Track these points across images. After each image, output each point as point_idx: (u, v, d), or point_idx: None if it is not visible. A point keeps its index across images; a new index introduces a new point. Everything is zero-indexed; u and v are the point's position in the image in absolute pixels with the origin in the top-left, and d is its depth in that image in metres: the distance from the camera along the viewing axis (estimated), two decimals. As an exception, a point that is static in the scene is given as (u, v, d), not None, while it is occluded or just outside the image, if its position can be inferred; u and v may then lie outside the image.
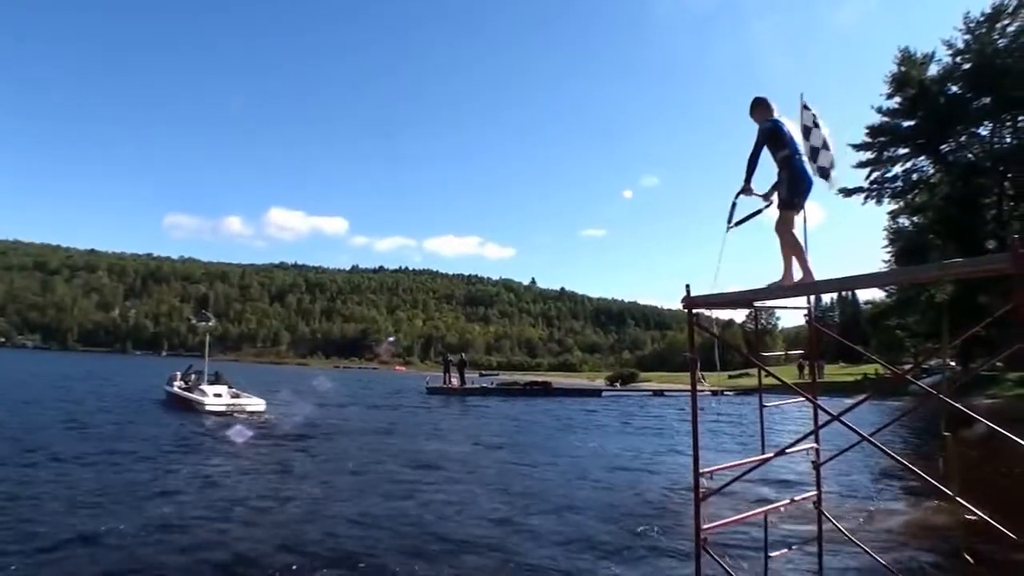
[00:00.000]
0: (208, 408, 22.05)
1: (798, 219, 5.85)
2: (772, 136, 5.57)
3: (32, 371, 49.32)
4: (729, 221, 5.70)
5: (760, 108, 5.78)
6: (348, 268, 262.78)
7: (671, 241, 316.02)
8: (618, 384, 53.10)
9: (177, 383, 26.36)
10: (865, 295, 68.12)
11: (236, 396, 23.45)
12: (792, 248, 5.66)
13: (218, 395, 23.07)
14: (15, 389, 30.64)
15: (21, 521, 7.90)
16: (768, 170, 5.66)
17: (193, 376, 26.40)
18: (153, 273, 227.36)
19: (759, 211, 5.75)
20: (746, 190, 5.61)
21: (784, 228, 5.66)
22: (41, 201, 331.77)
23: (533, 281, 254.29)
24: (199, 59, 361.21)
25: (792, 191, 5.58)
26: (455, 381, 41.05)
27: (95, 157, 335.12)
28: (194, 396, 23.34)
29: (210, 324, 35.87)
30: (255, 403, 23.01)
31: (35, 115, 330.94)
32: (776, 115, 5.73)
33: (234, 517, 8.53)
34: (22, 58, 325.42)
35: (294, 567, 6.59)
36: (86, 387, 34.28)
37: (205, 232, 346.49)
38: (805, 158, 5.73)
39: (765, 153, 5.61)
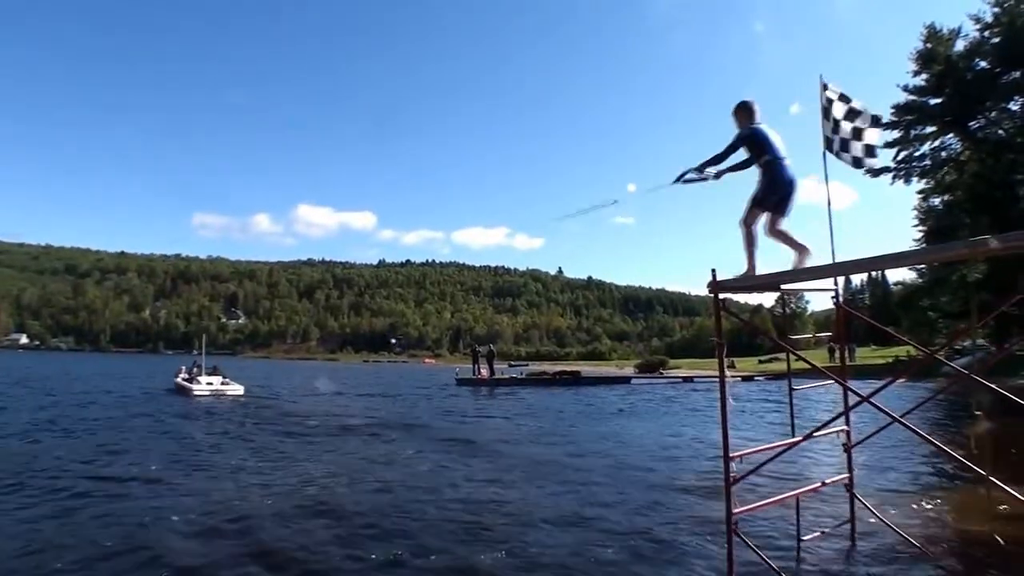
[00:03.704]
0: (196, 393, 27.02)
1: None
2: (749, 143, 5.72)
3: (76, 372, 50.16)
4: (675, 180, 5.97)
5: (742, 113, 5.93)
6: (376, 263, 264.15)
7: (699, 228, 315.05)
8: (659, 370, 52.54)
9: (182, 375, 31.23)
10: (895, 276, 67.21)
11: (224, 384, 28.42)
12: (749, 242, 5.86)
13: (209, 383, 28.13)
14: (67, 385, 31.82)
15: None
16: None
17: (195, 369, 31.01)
18: (182, 273, 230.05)
19: (704, 180, 5.92)
20: (700, 169, 5.87)
21: (746, 222, 5.85)
22: (71, 205, 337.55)
23: (560, 271, 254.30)
24: (224, 61, 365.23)
25: (766, 192, 5.73)
26: (484, 372, 41.05)
27: (123, 160, 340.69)
28: (189, 385, 28.30)
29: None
30: (235, 389, 28.18)
31: (64, 122, 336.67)
32: (758, 120, 5.83)
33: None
34: (50, 68, 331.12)
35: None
36: (127, 382, 35.26)
37: (234, 231, 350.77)
38: (787, 162, 5.73)
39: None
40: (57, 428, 16.38)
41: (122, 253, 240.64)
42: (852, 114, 6.62)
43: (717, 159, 5.79)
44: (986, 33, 34.73)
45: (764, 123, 5.83)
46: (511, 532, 7.43)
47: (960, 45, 36.03)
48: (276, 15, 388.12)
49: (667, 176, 6.05)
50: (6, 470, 10.55)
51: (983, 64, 35.37)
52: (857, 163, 6.68)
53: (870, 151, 6.64)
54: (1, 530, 7.35)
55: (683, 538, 7.04)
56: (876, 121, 6.63)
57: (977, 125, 36.76)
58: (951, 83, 35.67)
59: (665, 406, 24.81)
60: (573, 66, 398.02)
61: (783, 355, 7.15)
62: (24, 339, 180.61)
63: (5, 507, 8.39)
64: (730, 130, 5.93)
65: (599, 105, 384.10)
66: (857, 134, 6.63)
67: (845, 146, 6.66)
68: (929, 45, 36.60)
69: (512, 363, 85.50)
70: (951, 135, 37.81)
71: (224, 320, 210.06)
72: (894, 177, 39.22)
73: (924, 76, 37.40)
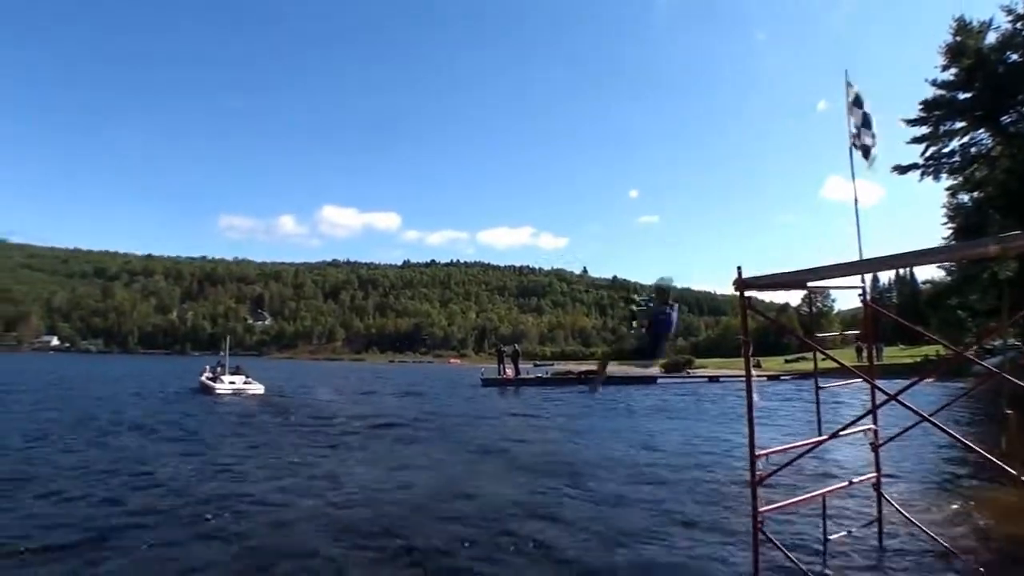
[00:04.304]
0: (218, 391, 28.20)
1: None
2: (657, 323, 6.79)
3: (109, 373, 50.95)
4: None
5: (658, 295, 6.87)
6: (400, 263, 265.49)
7: (724, 227, 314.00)
8: (685, 370, 52.21)
9: (206, 374, 32.58)
10: (923, 275, 66.24)
11: (247, 383, 29.41)
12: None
13: (232, 382, 29.28)
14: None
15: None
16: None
17: (219, 369, 32.33)
18: (209, 275, 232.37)
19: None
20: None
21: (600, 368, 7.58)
22: (99, 209, 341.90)
23: (585, 270, 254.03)
24: (246, 62, 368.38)
25: (639, 354, 7.29)
26: (510, 372, 40.88)
27: (149, 163, 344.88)
28: (213, 384, 29.40)
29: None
30: (256, 388, 29.15)
31: (92, 128, 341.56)
32: (671, 300, 6.83)
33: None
34: (76, 71, 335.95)
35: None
36: (157, 383, 35.89)
37: (259, 232, 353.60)
38: (672, 334, 7.06)
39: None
40: (97, 430, 16.57)
41: (149, 256, 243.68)
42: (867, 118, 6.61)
43: (646, 325, 6.89)
44: (1018, 25, 34.07)
45: (673, 305, 6.86)
46: (551, 525, 7.50)
47: (992, 37, 35.41)
48: (295, 13, 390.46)
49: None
50: (61, 476, 10.71)
51: (1015, 57, 34.75)
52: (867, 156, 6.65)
53: (866, 152, 6.61)
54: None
55: (709, 537, 7.03)
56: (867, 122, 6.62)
57: (1009, 120, 36.08)
58: (982, 77, 35.05)
59: (692, 405, 24.71)
60: (597, 65, 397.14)
61: (810, 355, 7.12)
62: (55, 341, 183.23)
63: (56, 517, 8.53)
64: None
65: (620, 104, 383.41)
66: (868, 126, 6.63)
67: (867, 151, 6.64)
68: (959, 38, 35.97)
69: (537, 363, 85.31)
70: (982, 130, 37.17)
71: (250, 321, 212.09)
72: (922, 174, 38.67)
73: (953, 70, 36.80)
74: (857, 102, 6.67)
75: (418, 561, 6.46)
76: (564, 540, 7.09)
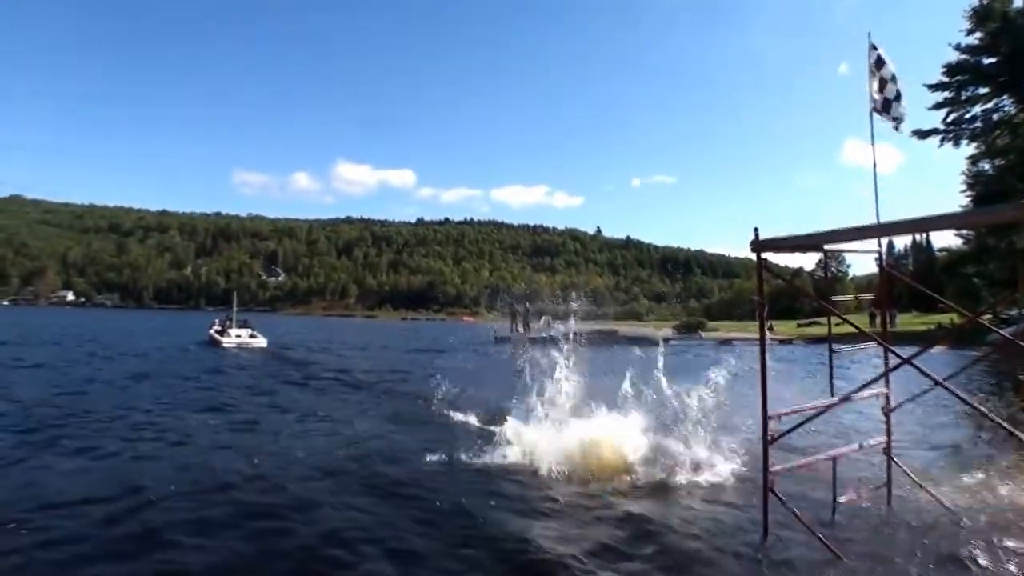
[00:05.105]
0: (225, 344, 30.33)
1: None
2: None
3: (126, 328, 51.48)
4: None
5: None
6: (414, 221, 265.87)
7: (740, 188, 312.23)
8: (697, 332, 52.22)
9: (214, 328, 34.35)
10: (940, 243, 65.66)
11: (252, 337, 31.55)
12: None
13: (238, 336, 31.40)
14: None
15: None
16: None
17: (227, 323, 33.96)
18: (223, 231, 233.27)
19: None
20: None
21: None
22: (114, 165, 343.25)
23: (599, 230, 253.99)
24: (262, 15, 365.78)
25: None
26: (522, 330, 41.12)
27: (164, 119, 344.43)
28: (220, 337, 31.41)
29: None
30: (260, 341, 31.20)
31: (105, 79, 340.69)
32: None
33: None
34: (91, 26, 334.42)
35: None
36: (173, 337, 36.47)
37: (273, 188, 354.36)
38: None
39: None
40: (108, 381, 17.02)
41: (163, 211, 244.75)
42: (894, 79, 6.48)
43: None
44: (1048, -11, 33.34)
45: None
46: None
47: (1019, 2, 34.59)
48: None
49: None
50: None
51: (1042, 22, 34.00)
52: (899, 125, 6.53)
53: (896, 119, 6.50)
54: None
55: (720, 495, 7.09)
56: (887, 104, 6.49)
57: (1034, 86, 35.43)
58: (1007, 42, 34.36)
59: (706, 366, 24.71)
60: (614, 24, 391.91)
61: (822, 319, 7.10)
62: (71, 296, 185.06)
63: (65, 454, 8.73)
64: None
65: (643, 61, 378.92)
66: (899, 96, 6.49)
67: (887, 106, 6.51)
68: (984, 2, 35.20)
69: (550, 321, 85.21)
70: (1005, 96, 36.48)
71: (264, 277, 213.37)
72: (943, 139, 38.03)
73: (978, 34, 36.06)
74: (879, 63, 6.54)
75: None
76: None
